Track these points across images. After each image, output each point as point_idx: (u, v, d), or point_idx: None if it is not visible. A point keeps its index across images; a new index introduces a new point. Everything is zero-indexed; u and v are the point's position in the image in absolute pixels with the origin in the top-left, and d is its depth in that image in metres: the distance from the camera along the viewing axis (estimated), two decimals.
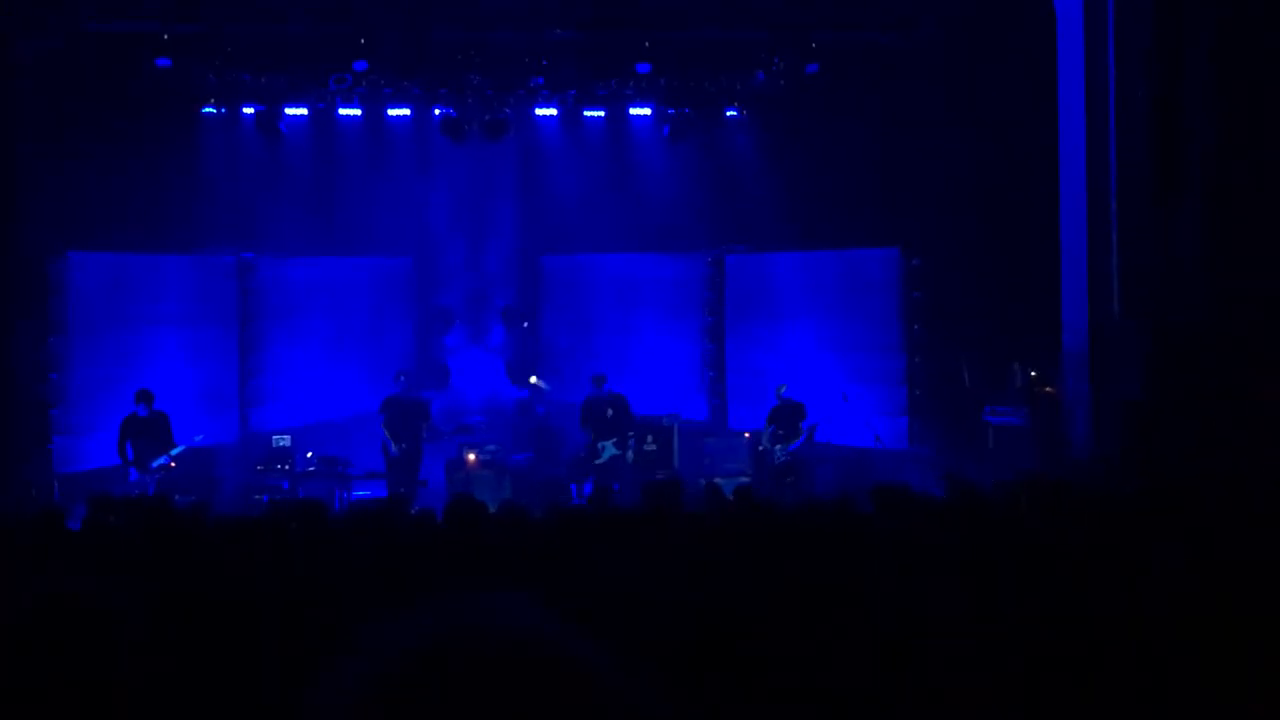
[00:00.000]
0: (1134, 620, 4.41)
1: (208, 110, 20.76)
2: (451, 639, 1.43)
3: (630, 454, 19.12)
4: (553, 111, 21.74)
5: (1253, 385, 13.60)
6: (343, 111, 21.31)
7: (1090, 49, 15.73)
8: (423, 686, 1.39)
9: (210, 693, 4.25)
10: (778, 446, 18.85)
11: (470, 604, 1.49)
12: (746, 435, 19.86)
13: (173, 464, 17.22)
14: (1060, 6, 16.36)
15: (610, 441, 18.96)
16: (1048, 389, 17.39)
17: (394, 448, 18.43)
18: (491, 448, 19.42)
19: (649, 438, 19.52)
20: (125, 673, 2.73)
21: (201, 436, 18.09)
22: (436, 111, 21.09)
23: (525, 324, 21.98)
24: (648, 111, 21.88)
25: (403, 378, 19.02)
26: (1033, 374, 17.67)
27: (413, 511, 11.37)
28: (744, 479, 18.50)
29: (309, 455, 19.18)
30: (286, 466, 19.08)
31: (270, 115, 20.83)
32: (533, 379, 21.14)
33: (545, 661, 1.42)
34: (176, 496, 15.69)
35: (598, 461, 18.90)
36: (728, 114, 21.82)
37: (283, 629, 4.92)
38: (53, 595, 2.80)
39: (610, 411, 19.10)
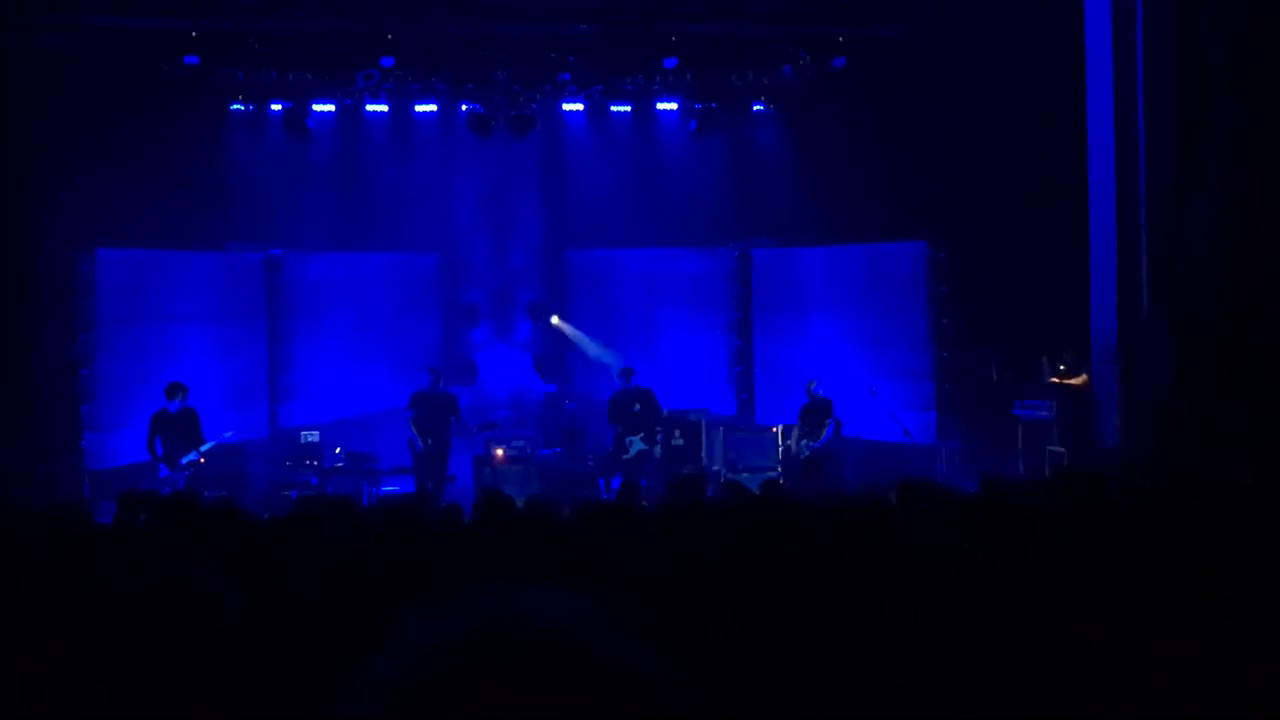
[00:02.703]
0: (1164, 617, 4.39)
1: (235, 107, 20.87)
2: (498, 634, 1.43)
3: (658, 449, 19.11)
4: (579, 106, 21.77)
5: None
6: (370, 108, 21.38)
7: (1118, 42, 15.68)
8: (466, 681, 1.38)
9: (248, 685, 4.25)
10: (804, 442, 18.82)
11: (517, 599, 1.49)
12: (775, 430, 19.82)
13: (202, 460, 17.27)
14: (1089, 2, 16.30)
15: (638, 436, 18.94)
16: (1075, 381, 17.33)
17: (420, 443, 18.44)
18: (519, 443, 19.42)
19: (676, 432, 19.49)
20: (229, 661, 2.75)
21: (231, 433, 18.14)
22: (463, 107, 21.12)
23: (552, 320, 21.99)
24: (674, 106, 21.90)
25: (439, 377, 18.95)
26: (1061, 368, 17.61)
27: (440, 506, 11.40)
28: (771, 474, 18.47)
29: (337, 451, 19.24)
30: (315, 462, 19.14)
31: (298, 112, 20.91)
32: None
33: (593, 661, 1.41)
34: (206, 492, 15.75)
35: (625, 457, 18.87)
36: (754, 109, 21.84)
37: (311, 624, 4.93)
38: (168, 580, 2.81)
39: (637, 406, 19.08)
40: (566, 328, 21.90)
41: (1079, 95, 16.50)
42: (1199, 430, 13.90)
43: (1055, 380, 17.55)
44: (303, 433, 19.76)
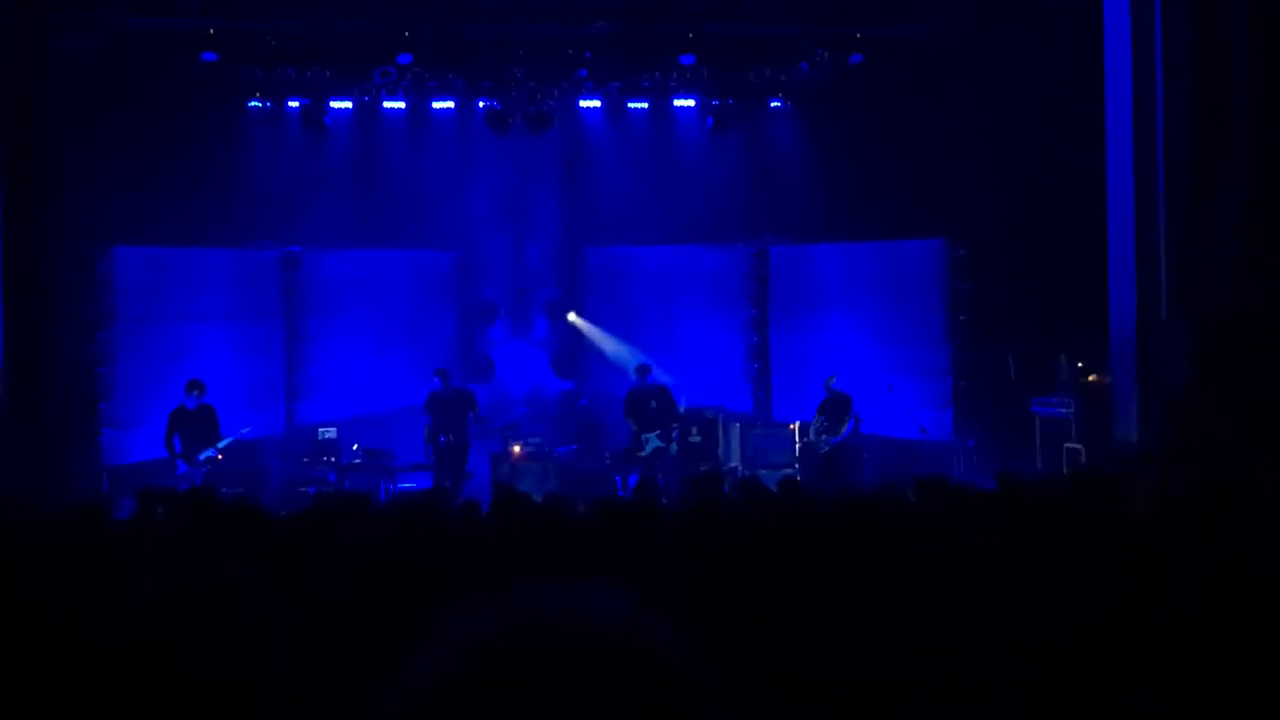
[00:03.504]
0: (1182, 618, 4.37)
1: (253, 104, 20.88)
2: (542, 629, 1.43)
3: (674, 446, 19.10)
4: (596, 103, 21.76)
5: None
6: (387, 105, 21.39)
7: (1137, 40, 15.62)
8: (510, 675, 1.38)
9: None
10: (822, 437, 18.82)
11: (559, 595, 1.49)
12: (792, 427, 19.80)
13: (220, 456, 17.35)
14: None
15: (654, 433, 18.94)
16: (1093, 379, 17.29)
17: (442, 437, 18.48)
18: (536, 440, 19.45)
19: (693, 429, 19.48)
20: (275, 660, 2.75)
21: (249, 429, 18.18)
22: (480, 104, 21.14)
23: (569, 316, 22.01)
24: (691, 103, 21.87)
25: (447, 376, 18.96)
26: (1079, 365, 17.57)
27: (457, 503, 11.41)
28: (789, 470, 18.45)
29: (354, 448, 19.27)
30: (332, 459, 19.19)
31: (315, 109, 20.93)
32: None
33: (636, 657, 1.41)
34: (223, 489, 15.81)
35: (641, 454, 18.88)
36: (771, 105, 21.81)
37: (329, 621, 4.94)
38: (206, 579, 2.82)
39: (654, 403, 19.08)
40: (584, 325, 21.91)
41: (1098, 92, 16.43)
42: (1218, 428, 13.85)
43: (1088, 379, 17.48)
44: (320, 429, 19.81)
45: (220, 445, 17.37)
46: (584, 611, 1.45)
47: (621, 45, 20.29)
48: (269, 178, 20.68)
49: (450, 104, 21.47)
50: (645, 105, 21.90)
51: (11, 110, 16.58)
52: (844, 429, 18.64)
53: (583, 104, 21.72)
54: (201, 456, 17.18)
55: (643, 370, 19.41)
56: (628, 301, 22.02)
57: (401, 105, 21.44)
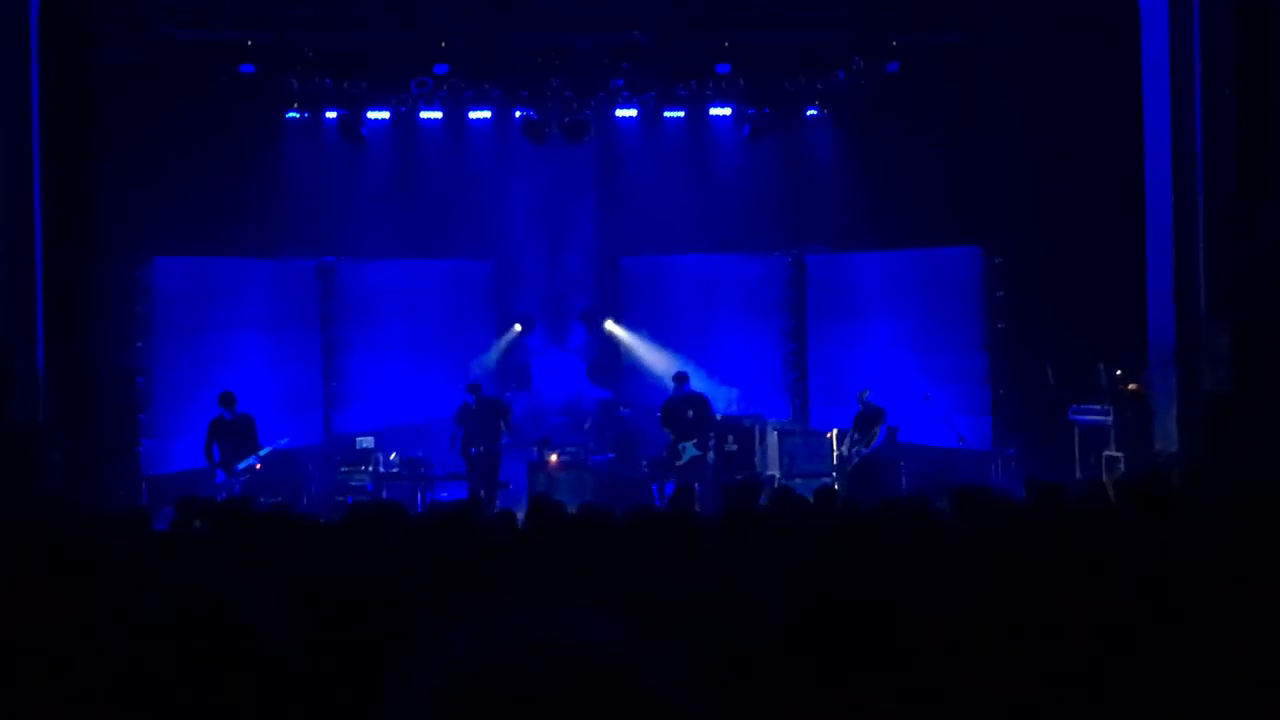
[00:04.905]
0: (1223, 629, 4.35)
1: (290, 115, 20.97)
2: (530, 652, 1.44)
3: (711, 455, 19.07)
4: (633, 113, 21.76)
5: None
6: (424, 115, 21.43)
7: (1175, 46, 15.55)
8: (498, 697, 1.39)
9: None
10: (855, 449, 18.79)
11: (550, 619, 1.50)
12: (829, 435, 19.76)
13: (258, 466, 17.42)
14: (1145, 3, 16.17)
15: (691, 442, 18.92)
16: (1133, 387, 17.19)
17: (473, 449, 18.55)
18: (572, 449, 19.46)
19: (730, 438, 19.46)
20: (274, 673, 2.76)
21: (287, 439, 18.24)
22: (517, 114, 21.16)
23: (606, 325, 22.03)
24: (728, 112, 21.87)
25: (479, 389, 19.04)
26: (1118, 372, 17.48)
27: (492, 513, 11.43)
28: (826, 479, 18.43)
29: (392, 457, 19.32)
30: (369, 468, 19.26)
31: (352, 119, 20.99)
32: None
33: (619, 682, 1.42)
34: (261, 498, 15.88)
35: (679, 463, 18.86)
36: (808, 114, 21.76)
37: (363, 631, 4.95)
38: (202, 594, 2.83)
39: (691, 412, 19.07)
40: (621, 334, 21.93)
41: (1136, 99, 16.37)
42: (1259, 436, 13.77)
43: (1127, 387, 17.37)
44: (357, 439, 19.90)
45: (259, 454, 17.45)
46: (569, 636, 1.46)
47: (657, 55, 20.28)
48: (306, 188, 20.78)
49: (487, 114, 21.53)
50: (681, 114, 21.91)
51: (53, 121, 16.69)
52: (876, 439, 18.62)
53: (619, 113, 21.73)
54: (240, 466, 17.27)
55: (680, 379, 19.41)
56: (665, 310, 22.03)
57: (438, 115, 21.49)
